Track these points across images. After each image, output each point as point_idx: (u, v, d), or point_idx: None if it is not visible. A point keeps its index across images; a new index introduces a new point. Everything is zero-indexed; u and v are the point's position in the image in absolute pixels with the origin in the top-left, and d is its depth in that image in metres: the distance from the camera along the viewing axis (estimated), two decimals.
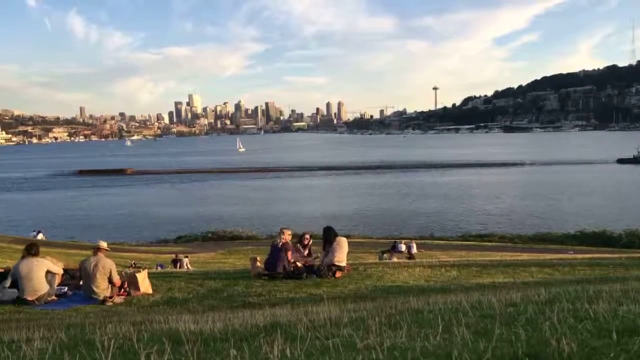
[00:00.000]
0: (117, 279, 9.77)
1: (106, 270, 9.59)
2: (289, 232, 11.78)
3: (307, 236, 12.80)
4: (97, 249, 9.92)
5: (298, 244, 12.24)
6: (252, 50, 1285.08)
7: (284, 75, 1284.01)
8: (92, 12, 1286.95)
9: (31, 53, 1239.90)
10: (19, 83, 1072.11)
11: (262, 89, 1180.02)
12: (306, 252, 12.29)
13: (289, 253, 11.33)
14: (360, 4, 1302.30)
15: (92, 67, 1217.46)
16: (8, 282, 9.40)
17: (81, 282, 9.95)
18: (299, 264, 11.24)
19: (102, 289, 9.51)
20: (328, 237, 11.61)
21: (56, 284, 9.77)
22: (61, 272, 9.91)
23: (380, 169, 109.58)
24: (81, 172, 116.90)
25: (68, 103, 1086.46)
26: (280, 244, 11.36)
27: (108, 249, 10.24)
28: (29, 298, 9.20)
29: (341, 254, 11.35)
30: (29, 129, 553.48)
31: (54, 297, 9.52)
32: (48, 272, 9.55)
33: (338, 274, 10.97)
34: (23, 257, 9.63)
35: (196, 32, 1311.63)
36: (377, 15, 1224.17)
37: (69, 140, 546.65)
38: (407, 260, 18.48)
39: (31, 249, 9.71)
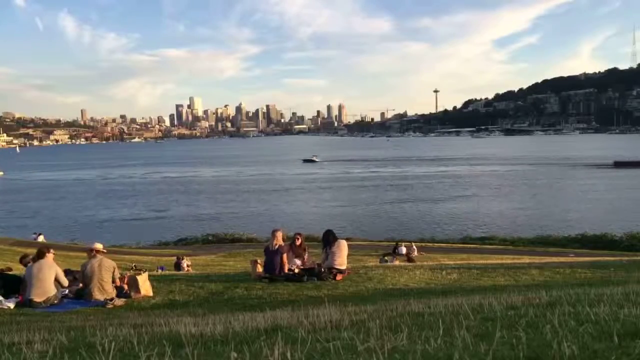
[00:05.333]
0: (117, 279, 9.91)
1: (110, 269, 9.71)
2: (281, 234, 11.71)
3: (299, 237, 12.56)
4: (94, 251, 9.96)
5: (291, 245, 12.14)
6: (249, 52, 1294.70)
7: (283, 78, 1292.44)
8: (83, 12, 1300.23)
9: (24, 55, 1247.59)
10: (15, 85, 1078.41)
11: (263, 91, 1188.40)
12: (305, 255, 12.21)
13: (284, 256, 11.31)
14: (355, 5, 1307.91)
15: (88, 69, 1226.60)
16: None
17: (81, 285, 9.97)
18: (296, 270, 11.22)
19: (109, 288, 9.59)
20: (327, 240, 11.60)
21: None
22: (66, 284, 9.90)
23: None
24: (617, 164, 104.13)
25: (68, 106, 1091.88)
26: (276, 247, 11.34)
27: (104, 250, 10.28)
28: (37, 300, 9.24)
29: (341, 257, 11.35)
30: (30, 131, 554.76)
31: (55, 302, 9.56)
32: (55, 279, 9.61)
33: (339, 277, 10.96)
34: (34, 261, 9.74)
35: (190, 33, 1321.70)
36: (374, 16, 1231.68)
37: (70, 142, 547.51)
38: (408, 263, 18.47)
39: (42, 253, 9.80)
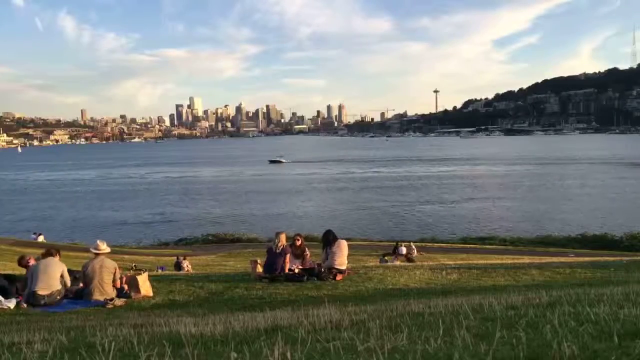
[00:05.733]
0: (118, 280, 9.91)
1: (111, 270, 9.72)
2: (285, 236, 11.74)
3: (299, 237, 12.49)
4: (97, 251, 9.96)
5: (291, 246, 12.11)
6: (248, 52, 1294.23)
7: (283, 78, 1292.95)
8: (82, 12, 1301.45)
9: (24, 55, 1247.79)
10: (15, 85, 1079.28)
11: (263, 91, 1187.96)
12: (307, 256, 12.18)
13: (288, 257, 11.31)
14: (354, 5, 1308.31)
15: (88, 69, 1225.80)
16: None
17: (81, 285, 9.97)
18: (296, 270, 11.23)
19: (109, 289, 9.60)
20: (327, 240, 11.61)
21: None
22: (69, 284, 9.92)
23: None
24: None
25: (68, 106, 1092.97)
26: (280, 249, 11.35)
27: (108, 250, 10.26)
28: (42, 292, 9.27)
29: (341, 257, 11.34)
30: (30, 131, 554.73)
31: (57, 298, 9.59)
32: (61, 276, 9.67)
33: (339, 277, 10.96)
34: (43, 258, 9.85)
35: (189, 33, 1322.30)
36: (373, 16, 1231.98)
37: (69, 142, 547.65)
38: (408, 263, 18.47)
39: (51, 251, 9.95)
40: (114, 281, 9.77)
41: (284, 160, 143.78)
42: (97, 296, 9.51)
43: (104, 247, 10.07)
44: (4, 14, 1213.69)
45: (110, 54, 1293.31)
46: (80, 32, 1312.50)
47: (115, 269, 9.85)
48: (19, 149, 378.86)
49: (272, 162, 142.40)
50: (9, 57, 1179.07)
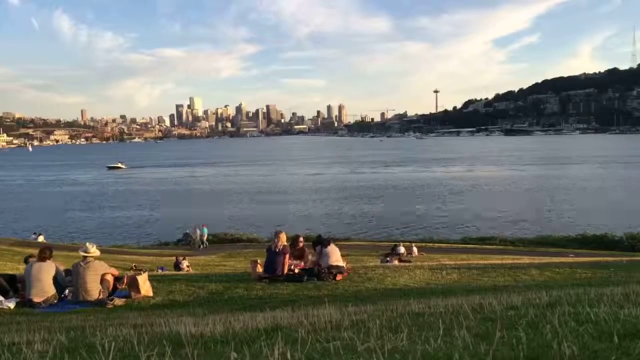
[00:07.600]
0: (114, 271, 9.95)
1: (98, 273, 9.65)
2: (284, 236, 11.76)
3: (301, 239, 12.68)
4: (85, 254, 9.92)
5: (291, 247, 12.14)
6: (246, 52, 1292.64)
7: (282, 78, 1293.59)
8: (78, 11, 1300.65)
9: (22, 55, 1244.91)
10: (15, 85, 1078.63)
11: (263, 91, 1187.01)
12: (307, 255, 12.23)
13: (287, 257, 11.33)
14: (352, 4, 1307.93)
15: (86, 69, 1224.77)
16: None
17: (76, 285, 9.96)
18: (296, 270, 11.25)
19: (94, 292, 9.54)
20: (322, 241, 11.74)
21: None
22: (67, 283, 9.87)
23: None
24: None
25: (68, 106, 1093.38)
26: (279, 248, 11.36)
27: (97, 253, 10.15)
28: (36, 300, 9.26)
29: (335, 256, 11.45)
30: (30, 131, 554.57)
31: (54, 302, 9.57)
32: (55, 279, 9.61)
33: (339, 277, 10.97)
34: (35, 261, 9.76)
35: (186, 33, 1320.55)
36: (372, 15, 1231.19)
37: (70, 143, 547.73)
38: (408, 263, 18.48)
39: (44, 253, 9.81)
40: (102, 282, 9.69)
41: (123, 166, 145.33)
42: (86, 297, 9.49)
43: (93, 250, 9.97)
44: (1, 14, 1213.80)
45: (108, 53, 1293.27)
46: (77, 32, 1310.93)
47: (104, 271, 9.77)
48: (30, 148, 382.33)
49: (110, 168, 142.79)
50: (8, 57, 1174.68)
